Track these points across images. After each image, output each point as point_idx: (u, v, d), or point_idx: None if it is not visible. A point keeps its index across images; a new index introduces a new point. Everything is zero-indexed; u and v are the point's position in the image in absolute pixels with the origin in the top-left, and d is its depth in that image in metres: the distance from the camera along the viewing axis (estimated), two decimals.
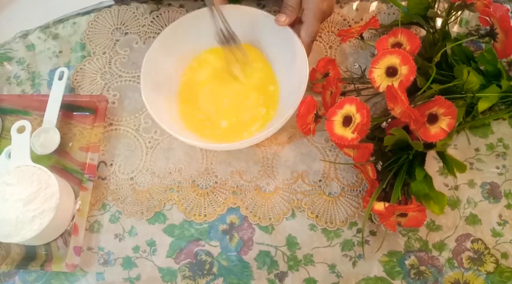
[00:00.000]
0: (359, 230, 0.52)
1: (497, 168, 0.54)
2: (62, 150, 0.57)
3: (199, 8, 0.56)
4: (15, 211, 0.49)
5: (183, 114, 0.57)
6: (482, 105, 0.51)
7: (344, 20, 0.63)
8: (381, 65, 0.47)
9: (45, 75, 0.63)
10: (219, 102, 0.58)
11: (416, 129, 0.45)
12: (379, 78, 0.47)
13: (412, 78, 0.45)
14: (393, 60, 0.46)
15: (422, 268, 0.50)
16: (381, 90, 0.47)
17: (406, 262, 0.51)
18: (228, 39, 0.54)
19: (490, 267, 0.50)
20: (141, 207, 0.54)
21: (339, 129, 0.46)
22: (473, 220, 0.52)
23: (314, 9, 0.53)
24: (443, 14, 0.54)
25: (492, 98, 0.51)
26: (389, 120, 0.47)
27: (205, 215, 0.54)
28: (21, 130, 0.55)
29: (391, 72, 0.46)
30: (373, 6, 0.64)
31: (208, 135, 0.56)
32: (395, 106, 0.45)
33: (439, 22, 0.57)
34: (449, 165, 0.48)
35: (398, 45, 0.50)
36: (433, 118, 0.45)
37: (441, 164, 0.53)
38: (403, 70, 0.45)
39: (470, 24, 0.61)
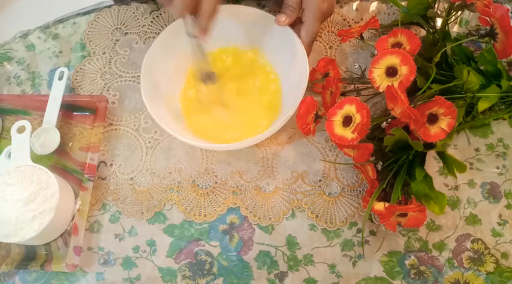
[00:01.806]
0: (359, 230, 0.52)
1: (497, 168, 0.54)
2: (62, 150, 0.57)
3: None
4: (15, 211, 0.49)
5: (182, 114, 0.57)
6: (482, 105, 0.51)
7: (344, 20, 0.63)
8: (380, 65, 0.47)
9: (45, 75, 0.63)
10: (219, 102, 0.58)
11: (416, 129, 0.45)
12: (379, 78, 0.47)
13: (412, 78, 0.45)
14: (393, 60, 0.46)
15: (422, 268, 0.50)
16: (380, 90, 0.47)
17: (406, 262, 0.51)
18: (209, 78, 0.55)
19: (490, 267, 0.50)
20: (141, 207, 0.54)
21: (339, 129, 0.46)
22: (473, 220, 0.52)
23: (314, 10, 0.53)
24: (443, 14, 0.54)
25: (492, 98, 0.51)
26: (389, 120, 0.47)
27: (205, 215, 0.54)
28: (21, 130, 0.55)
29: (391, 72, 0.46)
30: (373, 6, 0.64)
31: (208, 135, 0.56)
32: (395, 106, 0.45)
33: (439, 22, 0.57)
34: (449, 165, 0.48)
35: (398, 45, 0.50)
36: (433, 119, 0.45)
37: (441, 164, 0.53)
38: (403, 70, 0.45)
39: (470, 24, 0.61)
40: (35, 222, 0.49)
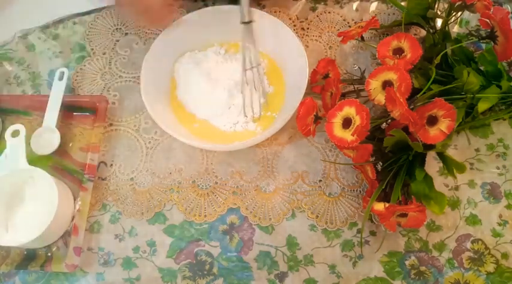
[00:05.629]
0: (359, 231, 0.52)
1: (498, 168, 0.54)
2: (62, 150, 0.57)
3: (199, 9, 0.56)
4: (13, 215, 0.48)
5: (183, 114, 0.57)
6: (482, 106, 0.51)
7: (344, 20, 0.63)
8: (378, 78, 0.47)
9: (45, 76, 0.63)
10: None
11: (415, 132, 0.45)
12: (374, 91, 0.47)
13: (406, 96, 0.45)
14: (391, 75, 0.46)
15: (423, 268, 0.50)
16: (375, 102, 0.47)
17: (406, 263, 0.51)
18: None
19: (490, 267, 0.50)
20: (141, 207, 0.54)
21: (339, 131, 0.46)
22: (473, 220, 0.52)
23: None
24: (443, 14, 0.54)
25: (492, 99, 0.51)
26: (389, 121, 0.47)
27: (205, 216, 0.54)
28: (15, 134, 0.53)
29: (388, 86, 0.46)
30: (373, 6, 0.64)
31: (208, 136, 0.56)
32: (394, 108, 0.45)
33: (439, 22, 0.57)
34: (449, 166, 0.48)
35: (399, 50, 0.49)
36: (432, 120, 0.45)
37: (441, 164, 0.53)
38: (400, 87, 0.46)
39: (471, 25, 0.61)
40: (33, 226, 0.48)
